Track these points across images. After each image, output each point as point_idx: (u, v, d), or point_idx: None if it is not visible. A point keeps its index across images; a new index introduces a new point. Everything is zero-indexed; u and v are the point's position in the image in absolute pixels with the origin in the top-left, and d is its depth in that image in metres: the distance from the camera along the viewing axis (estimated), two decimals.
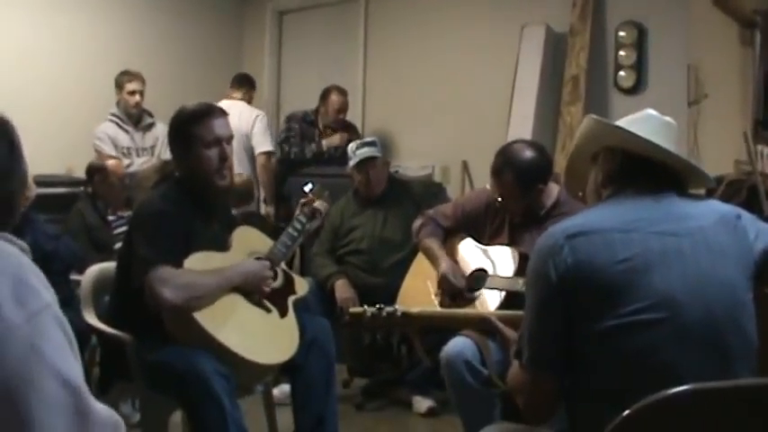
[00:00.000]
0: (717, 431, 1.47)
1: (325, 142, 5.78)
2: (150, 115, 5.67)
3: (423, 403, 4.22)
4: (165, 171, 4.85)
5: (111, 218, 4.86)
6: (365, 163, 4.35)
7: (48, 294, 1.25)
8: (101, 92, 5.84)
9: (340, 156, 5.48)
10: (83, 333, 2.72)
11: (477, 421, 2.51)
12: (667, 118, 1.94)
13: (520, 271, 3.00)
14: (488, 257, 3.26)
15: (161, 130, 5.42)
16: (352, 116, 6.22)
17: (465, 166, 5.90)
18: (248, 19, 7.59)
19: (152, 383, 2.72)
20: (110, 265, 3.06)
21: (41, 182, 5.03)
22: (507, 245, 3.22)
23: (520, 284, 2.89)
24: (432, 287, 3.36)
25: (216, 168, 2.86)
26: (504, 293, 3.07)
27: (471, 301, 3.21)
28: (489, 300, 3.13)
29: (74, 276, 3.71)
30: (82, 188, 5.14)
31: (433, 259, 3.42)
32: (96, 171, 4.93)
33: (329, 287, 4.23)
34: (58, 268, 3.53)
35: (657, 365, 1.63)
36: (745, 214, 1.84)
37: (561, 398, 1.78)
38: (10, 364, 1.16)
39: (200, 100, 3.01)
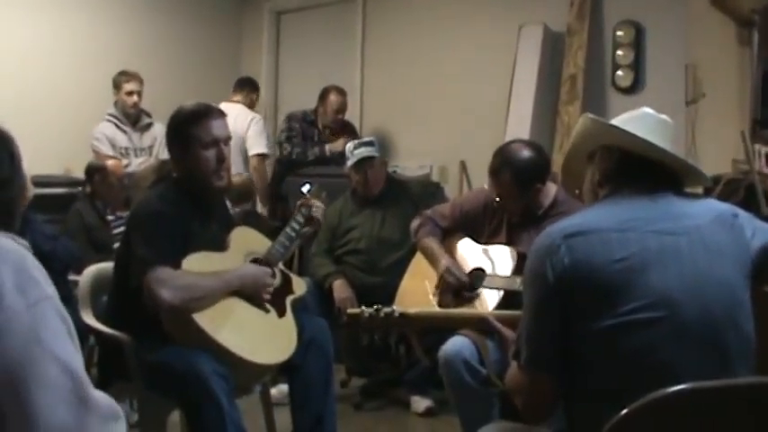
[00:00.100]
0: (715, 430, 1.47)
1: (328, 147, 5.77)
2: (148, 115, 5.67)
3: (421, 403, 4.22)
4: (162, 171, 4.84)
5: (110, 218, 4.86)
6: (363, 163, 4.35)
7: (49, 287, 1.28)
8: (99, 92, 5.84)
9: (339, 157, 5.49)
10: (81, 333, 2.71)
11: (476, 421, 2.51)
12: (663, 116, 1.94)
13: (518, 270, 3.01)
14: (487, 257, 3.26)
15: (159, 131, 5.42)
16: (350, 116, 6.22)
17: (463, 165, 5.90)
18: (246, 19, 7.59)
19: (150, 384, 2.72)
20: (107, 265, 3.06)
21: (39, 182, 5.00)
22: (505, 244, 3.22)
23: (518, 283, 2.89)
24: (429, 287, 3.36)
25: (213, 169, 2.85)
26: (502, 292, 3.08)
27: (470, 300, 3.21)
28: (488, 299, 3.13)
29: (72, 276, 3.72)
30: (80, 188, 5.13)
31: (432, 258, 3.42)
32: (96, 171, 4.94)
33: (327, 287, 4.23)
34: (56, 268, 3.53)
35: (655, 365, 1.63)
36: (742, 213, 1.85)
37: (560, 398, 1.78)
38: (11, 350, 1.18)
39: (198, 100, 3.00)
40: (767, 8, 4.24)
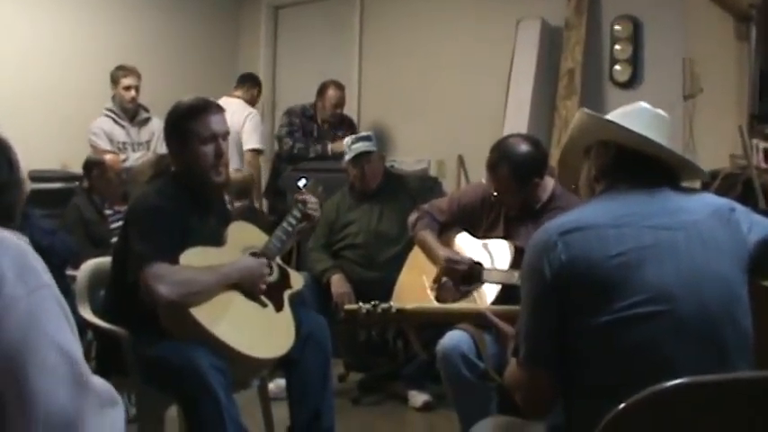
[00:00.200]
0: (713, 425, 1.47)
1: (331, 146, 5.77)
2: (146, 110, 5.67)
3: (418, 397, 4.22)
4: (160, 166, 4.85)
5: (107, 212, 4.85)
6: (361, 157, 4.35)
7: (48, 278, 1.29)
8: (96, 87, 5.84)
9: (341, 156, 5.49)
10: (79, 328, 2.71)
11: (473, 415, 2.51)
12: (660, 111, 1.94)
13: (516, 264, 3.01)
14: (485, 251, 3.26)
15: (157, 125, 5.42)
16: (348, 110, 6.22)
17: (461, 160, 5.91)
18: (244, 14, 7.59)
19: (148, 378, 2.72)
20: (105, 260, 3.05)
21: (37, 177, 5.06)
22: (503, 238, 3.22)
23: (516, 277, 2.89)
24: (427, 281, 3.37)
25: (211, 164, 2.85)
26: (500, 286, 3.08)
27: (468, 294, 3.21)
28: (486, 293, 3.13)
29: (69, 271, 3.71)
30: (78, 183, 5.13)
31: (429, 251, 3.42)
32: (94, 165, 4.92)
33: (325, 282, 4.23)
34: (54, 263, 3.50)
35: (653, 360, 1.63)
36: (739, 207, 1.85)
37: (559, 394, 1.78)
38: (10, 336, 1.20)
39: (195, 95, 3.00)
40: (765, 3, 4.24)
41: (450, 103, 6.11)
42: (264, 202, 6.40)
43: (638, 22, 5.28)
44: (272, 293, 2.90)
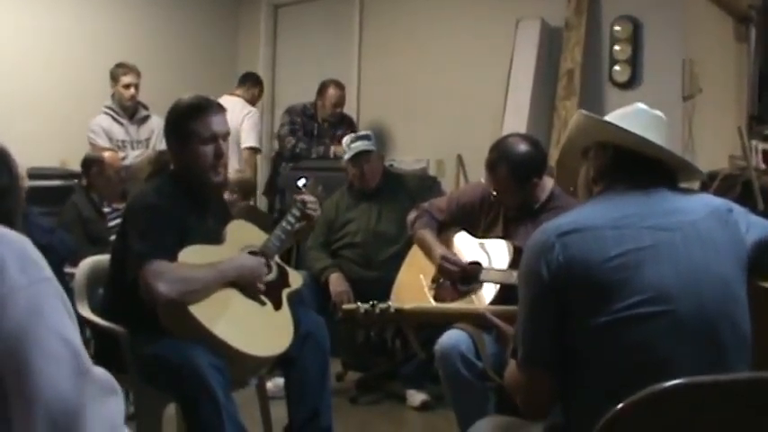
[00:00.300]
0: (711, 425, 1.47)
1: (333, 149, 5.76)
2: (145, 108, 5.67)
3: (417, 397, 4.22)
4: (159, 162, 4.85)
5: (106, 210, 4.84)
6: (360, 157, 4.35)
7: (49, 272, 1.32)
8: (95, 84, 5.84)
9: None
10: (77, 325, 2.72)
11: (471, 414, 2.51)
12: (657, 112, 1.94)
13: (515, 264, 3.00)
14: (483, 250, 3.26)
15: (156, 123, 5.42)
16: (347, 109, 6.22)
17: (460, 159, 5.90)
18: (243, 12, 7.58)
19: (146, 377, 2.72)
20: (103, 258, 3.05)
21: (35, 174, 5.04)
22: (502, 238, 3.22)
23: (514, 277, 2.88)
24: (426, 281, 3.37)
25: (211, 164, 2.84)
26: (498, 286, 3.08)
27: (466, 293, 3.21)
28: (484, 293, 3.13)
29: (68, 269, 3.71)
30: (76, 181, 5.12)
31: (427, 249, 3.42)
32: (93, 163, 4.91)
33: (323, 281, 4.23)
34: (52, 261, 3.50)
35: (652, 360, 1.63)
36: (737, 207, 1.85)
37: (558, 395, 1.78)
38: (12, 323, 1.21)
39: (195, 93, 2.99)
40: (765, 4, 4.25)
41: (450, 102, 6.11)
42: (262, 201, 6.40)
43: (637, 22, 5.27)
44: (271, 292, 2.89)
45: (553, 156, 4.57)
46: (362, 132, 4.64)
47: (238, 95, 6.20)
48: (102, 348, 2.93)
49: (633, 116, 1.90)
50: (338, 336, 4.08)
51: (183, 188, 2.88)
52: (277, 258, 3.05)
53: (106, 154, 5.05)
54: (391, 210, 4.34)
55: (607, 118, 1.92)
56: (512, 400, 1.88)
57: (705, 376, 1.51)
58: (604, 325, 1.65)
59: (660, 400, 1.44)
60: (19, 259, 1.26)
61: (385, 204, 4.39)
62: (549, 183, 3.22)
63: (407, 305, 2.42)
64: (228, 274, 2.76)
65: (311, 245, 4.40)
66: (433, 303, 3.26)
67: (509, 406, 1.99)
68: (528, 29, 5.56)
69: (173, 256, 2.66)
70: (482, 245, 3.29)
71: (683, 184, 1.95)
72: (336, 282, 4.21)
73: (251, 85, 6.38)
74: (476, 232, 3.36)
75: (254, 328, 2.78)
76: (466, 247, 3.36)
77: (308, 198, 3.16)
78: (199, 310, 2.61)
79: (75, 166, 5.18)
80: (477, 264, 3.23)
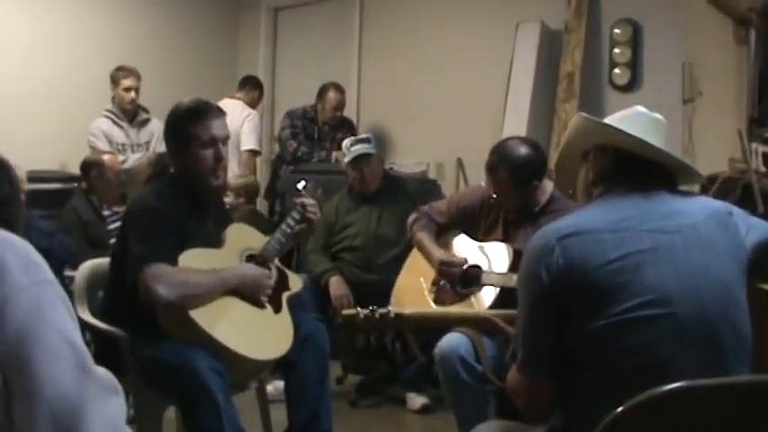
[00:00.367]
0: (711, 428, 1.47)
1: (335, 154, 5.77)
2: (146, 111, 5.66)
3: (417, 400, 4.22)
4: (159, 165, 4.85)
5: (106, 213, 4.84)
6: (360, 160, 4.35)
7: (51, 275, 1.32)
8: (96, 87, 5.84)
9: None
10: None
11: (471, 418, 2.51)
12: (656, 115, 1.94)
13: (514, 267, 3.01)
14: (483, 254, 3.26)
15: (156, 126, 5.42)
16: (347, 112, 6.23)
17: (460, 162, 5.90)
18: (243, 15, 7.59)
19: (146, 380, 2.72)
20: (103, 261, 3.05)
21: (35, 178, 5.04)
22: (501, 241, 3.22)
23: (514, 280, 2.88)
24: (426, 284, 3.37)
25: (210, 168, 2.84)
26: (498, 289, 3.08)
27: (466, 297, 3.21)
28: (484, 296, 3.13)
29: (68, 272, 3.71)
30: (76, 184, 5.12)
31: (426, 252, 3.42)
32: (92, 166, 4.91)
33: (323, 284, 4.23)
34: (53, 265, 3.51)
35: (653, 362, 1.63)
36: (737, 210, 1.85)
37: (559, 397, 1.78)
38: (14, 323, 1.22)
39: (195, 96, 2.99)
40: (764, 7, 4.24)
41: (450, 105, 6.11)
42: (262, 204, 6.40)
43: (637, 25, 5.28)
44: (271, 295, 2.89)
45: (553, 158, 4.57)
46: (362, 135, 4.64)
47: (238, 98, 6.22)
48: (102, 351, 2.92)
49: (632, 119, 1.90)
50: (338, 339, 4.08)
51: (183, 191, 2.88)
52: (277, 261, 3.05)
53: (105, 157, 5.05)
54: (391, 213, 4.34)
55: (606, 121, 1.92)
56: (512, 403, 1.88)
57: (705, 379, 1.51)
58: (604, 328, 1.65)
59: (660, 402, 1.44)
60: (21, 261, 1.27)
61: (385, 207, 4.38)
62: (549, 186, 3.22)
63: (407, 309, 2.41)
64: (230, 281, 2.76)
65: (311, 248, 4.40)
66: (434, 306, 3.26)
67: (509, 409, 1.99)
68: (528, 31, 5.56)
69: (173, 260, 2.66)
70: (481, 248, 3.29)
71: (683, 187, 1.95)
72: (336, 285, 4.21)
73: (251, 88, 6.40)
74: (476, 235, 3.36)
75: (254, 331, 2.78)
76: (465, 250, 3.36)
77: (308, 201, 3.16)
78: (198, 314, 2.61)
79: (76, 169, 5.17)
80: (477, 267, 3.23)
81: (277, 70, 7.46)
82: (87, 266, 3.09)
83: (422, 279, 3.40)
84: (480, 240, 3.32)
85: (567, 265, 1.69)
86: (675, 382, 1.44)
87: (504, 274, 3.09)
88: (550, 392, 1.77)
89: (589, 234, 1.71)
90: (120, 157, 5.38)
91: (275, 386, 3.70)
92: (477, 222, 3.36)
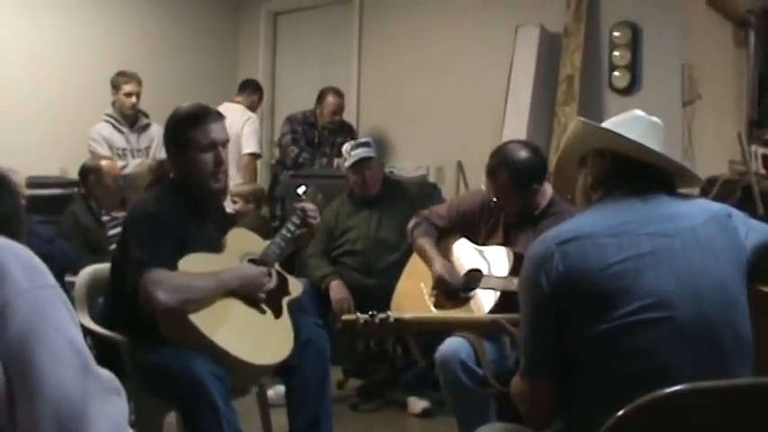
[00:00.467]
0: (712, 431, 1.47)
1: (337, 161, 5.77)
2: (146, 116, 5.67)
3: (418, 404, 4.21)
4: (159, 170, 4.85)
5: (105, 218, 4.83)
6: (360, 164, 4.34)
7: (53, 280, 1.33)
8: (96, 92, 5.85)
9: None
10: None
11: (472, 421, 2.51)
12: (654, 118, 1.94)
13: (515, 271, 3.00)
14: (483, 258, 3.26)
15: (156, 131, 5.42)
16: (347, 117, 6.24)
17: (460, 166, 5.90)
18: (243, 20, 7.60)
19: (146, 385, 2.71)
20: (104, 267, 3.05)
21: (35, 183, 5.04)
22: (502, 245, 3.22)
23: (515, 284, 2.87)
24: (425, 288, 3.36)
25: (210, 172, 2.85)
26: (498, 293, 3.07)
27: (466, 301, 3.21)
28: (484, 300, 3.13)
29: (68, 278, 3.70)
30: (75, 189, 5.11)
31: (426, 259, 3.42)
32: (90, 172, 4.90)
33: (324, 288, 4.22)
34: (53, 271, 3.51)
35: (654, 366, 1.63)
36: (736, 212, 1.85)
37: (561, 402, 1.78)
38: (16, 325, 1.22)
39: (195, 101, 3.00)
40: (763, 9, 4.24)
41: (450, 109, 6.11)
42: (263, 209, 6.40)
43: (637, 28, 5.28)
44: (271, 300, 2.89)
45: (553, 162, 4.57)
46: (362, 139, 4.64)
47: (238, 102, 6.22)
48: (103, 357, 2.90)
49: (630, 123, 1.90)
50: (339, 343, 4.08)
51: (183, 196, 2.88)
52: (277, 266, 3.05)
53: (104, 162, 5.04)
54: (392, 217, 4.33)
55: (604, 125, 1.92)
56: (513, 406, 1.88)
57: (706, 382, 1.51)
58: (605, 332, 1.65)
59: (661, 406, 1.44)
60: (22, 265, 1.27)
61: (385, 211, 4.38)
62: (549, 189, 3.22)
63: (407, 314, 2.41)
64: (229, 283, 2.76)
65: (311, 252, 4.39)
66: (434, 311, 3.25)
67: (510, 413, 1.99)
68: (527, 35, 5.56)
69: (173, 265, 2.66)
70: (482, 252, 3.28)
71: (682, 190, 1.95)
72: (337, 289, 4.20)
73: (251, 91, 6.40)
74: (476, 239, 3.35)
75: (255, 336, 2.77)
76: (465, 254, 3.35)
77: (308, 206, 3.16)
78: (199, 319, 2.61)
79: (75, 175, 5.16)
80: (478, 271, 3.23)
81: (277, 74, 7.47)
82: (87, 272, 3.09)
83: (422, 284, 3.39)
84: (481, 244, 3.32)
85: (566, 270, 1.69)
86: (676, 385, 1.44)
87: (504, 277, 3.09)
88: (552, 397, 1.76)
89: (589, 239, 1.71)
90: (121, 162, 5.38)
91: (276, 391, 3.70)
92: (478, 226, 3.36)
